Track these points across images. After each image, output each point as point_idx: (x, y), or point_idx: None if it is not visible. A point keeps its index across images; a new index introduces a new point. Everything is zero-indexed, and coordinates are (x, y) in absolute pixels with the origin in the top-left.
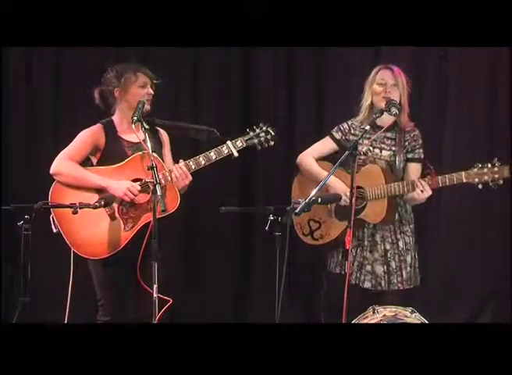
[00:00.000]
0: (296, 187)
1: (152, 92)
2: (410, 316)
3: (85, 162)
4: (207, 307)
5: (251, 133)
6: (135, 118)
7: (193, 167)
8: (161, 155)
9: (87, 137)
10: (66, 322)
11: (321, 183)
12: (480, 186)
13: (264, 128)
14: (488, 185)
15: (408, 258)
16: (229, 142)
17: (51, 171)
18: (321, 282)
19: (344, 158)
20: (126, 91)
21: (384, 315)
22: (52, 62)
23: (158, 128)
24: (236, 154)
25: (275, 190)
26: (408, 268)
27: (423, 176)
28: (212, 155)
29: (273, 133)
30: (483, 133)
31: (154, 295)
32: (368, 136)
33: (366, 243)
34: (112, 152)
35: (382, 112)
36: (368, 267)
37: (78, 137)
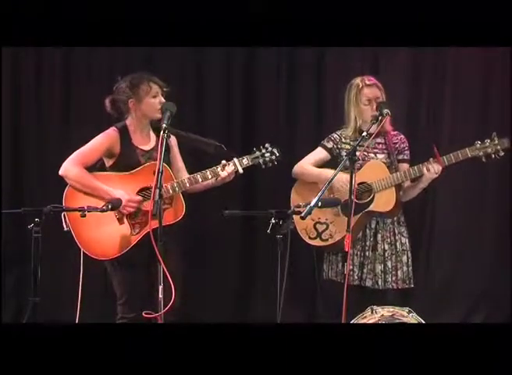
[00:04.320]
0: (294, 195)
1: (163, 101)
2: (408, 316)
3: (97, 163)
4: (209, 308)
5: (257, 153)
6: (164, 125)
7: (200, 180)
8: (169, 160)
9: (102, 142)
10: (77, 322)
11: (324, 187)
12: (484, 159)
13: (269, 148)
14: (491, 158)
15: (404, 259)
16: (235, 159)
17: (60, 172)
18: (316, 290)
19: (344, 163)
20: (140, 101)
21: (382, 315)
22: (60, 63)
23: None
24: (241, 171)
25: (276, 193)
26: (404, 268)
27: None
28: (219, 170)
29: (278, 154)
30: (478, 132)
31: (160, 296)
32: (361, 143)
33: (368, 243)
34: (126, 159)
35: (377, 118)
36: (370, 266)
37: (93, 141)
